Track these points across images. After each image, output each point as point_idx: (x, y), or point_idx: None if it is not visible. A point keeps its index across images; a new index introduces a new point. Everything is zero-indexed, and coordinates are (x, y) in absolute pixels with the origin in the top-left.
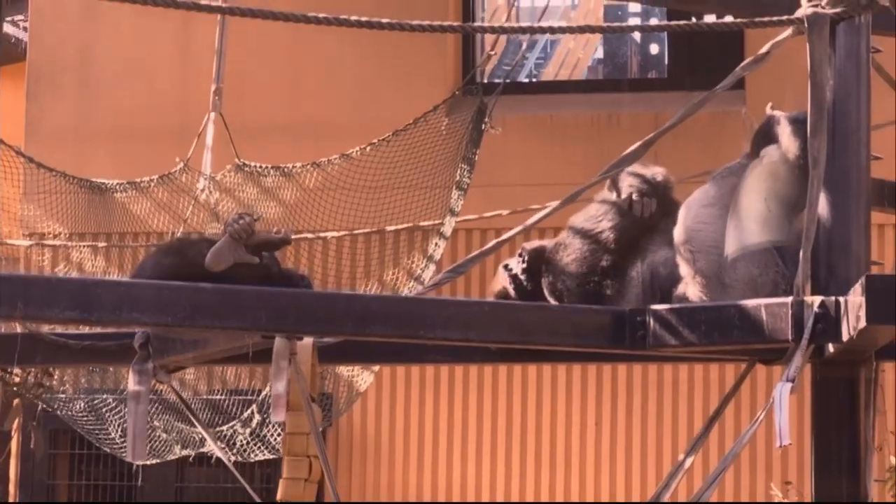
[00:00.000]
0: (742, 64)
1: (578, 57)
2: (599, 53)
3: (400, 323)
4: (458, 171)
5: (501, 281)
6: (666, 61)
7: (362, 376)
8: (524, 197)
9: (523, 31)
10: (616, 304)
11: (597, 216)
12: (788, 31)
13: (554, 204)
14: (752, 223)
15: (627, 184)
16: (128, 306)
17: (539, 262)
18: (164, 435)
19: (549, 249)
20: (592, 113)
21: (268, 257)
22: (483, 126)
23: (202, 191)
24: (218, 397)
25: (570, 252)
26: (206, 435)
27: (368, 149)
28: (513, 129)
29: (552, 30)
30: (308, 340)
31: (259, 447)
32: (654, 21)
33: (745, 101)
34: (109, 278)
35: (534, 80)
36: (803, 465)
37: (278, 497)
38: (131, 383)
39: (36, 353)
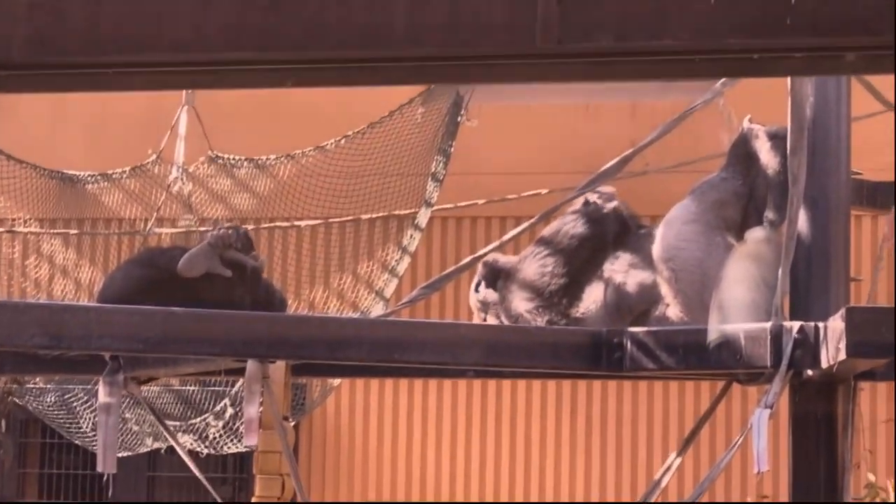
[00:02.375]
0: (721, 80)
1: None
2: None
3: (374, 347)
4: (434, 163)
5: (472, 303)
6: None
7: None
8: (500, 186)
9: None
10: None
11: (555, 236)
12: None
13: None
14: (735, 309)
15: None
16: (98, 333)
17: (496, 279)
18: (136, 427)
19: (508, 269)
20: (569, 103)
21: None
22: (459, 118)
23: (174, 182)
24: (191, 389)
25: (528, 271)
26: (169, 438)
27: (343, 141)
28: (489, 118)
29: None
30: (281, 361)
31: (231, 439)
32: None
33: (723, 92)
34: (79, 304)
35: None
36: (779, 479)
37: None
38: (102, 395)
39: (5, 363)
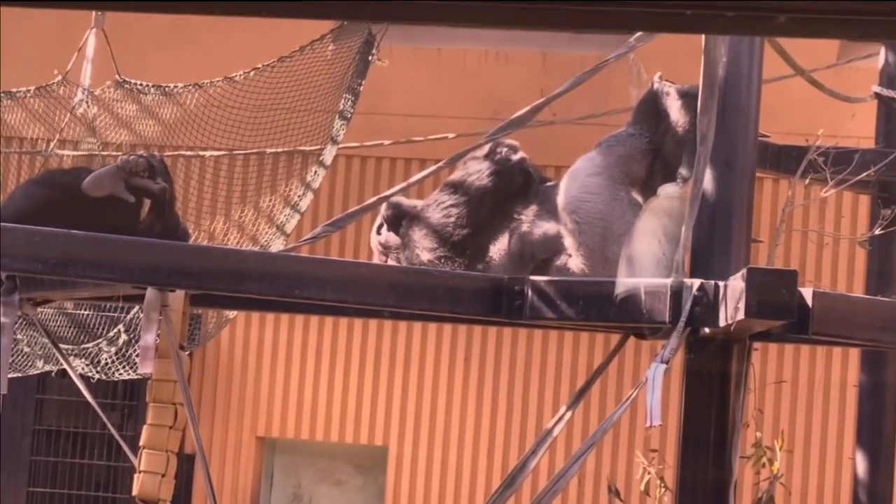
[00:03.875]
0: (636, 35)
1: None
2: None
3: (275, 282)
4: (342, 101)
5: (373, 244)
6: None
7: None
8: (407, 128)
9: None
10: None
11: (460, 185)
12: None
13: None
14: (646, 263)
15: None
16: None
17: (399, 222)
18: (27, 349)
19: (412, 214)
20: (480, 48)
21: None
22: (370, 57)
23: (79, 104)
24: (84, 313)
25: (432, 220)
26: (63, 361)
27: (252, 73)
28: (400, 59)
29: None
30: (180, 291)
31: (124, 366)
32: None
33: (634, 48)
34: None
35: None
36: (667, 435)
37: (141, 443)
38: None
39: None
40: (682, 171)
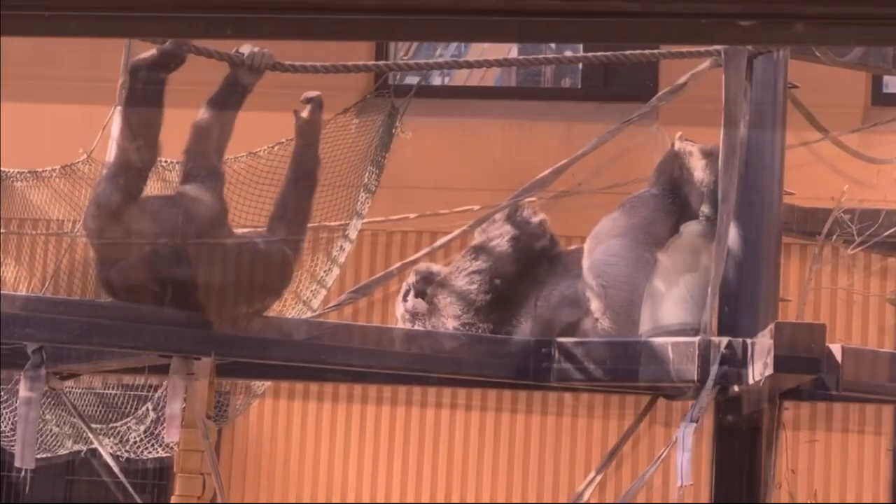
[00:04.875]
0: (659, 94)
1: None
2: (514, 55)
3: (301, 348)
4: (367, 174)
5: (399, 312)
6: (580, 69)
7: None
8: (432, 200)
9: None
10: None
11: (482, 250)
12: (707, 63)
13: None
14: (668, 304)
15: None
16: (22, 322)
17: (426, 289)
18: (56, 429)
19: (438, 280)
20: (504, 120)
21: None
22: (394, 130)
23: None
24: (113, 392)
25: (456, 286)
26: (94, 439)
27: (276, 147)
28: (424, 132)
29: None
30: (206, 359)
31: (153, 445)
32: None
33: (658, 114)
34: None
35: (446, 80)
36: (700, 498)
37: None
38: (23, 389)
39: None
40: (705, 209)
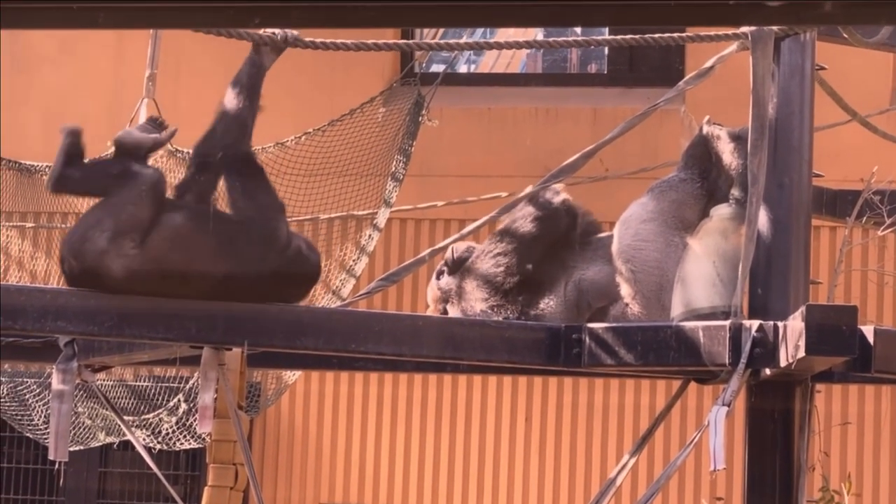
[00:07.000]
0: (686, 78)
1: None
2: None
3: (331, 336)
4: (394, 162)
5: (431, 292)
6: (606, 54)
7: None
8: (460, 188)
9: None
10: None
11: (507, 233)
12: (733, 46)
13: (489, 215)
14: (699, 287)
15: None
16: (53, 315)
17: (460, 268)
18: (88, 422)
19: (466, 266)
20: (531, 106)
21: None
22: (420, 118)
23: None
24: (144, 384)
25: (482, 269)
26: (126, 431)
27: (304, 138)
28: (450, 120)
29: (493, 45)
30: (237, 349)
31: (185, 436)
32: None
33: (685, 98)
34: (33, 285)
35: (472, 68)
36: (733, 481)
37: None
38: (55, 382)
39: None
40: (735, 192)
